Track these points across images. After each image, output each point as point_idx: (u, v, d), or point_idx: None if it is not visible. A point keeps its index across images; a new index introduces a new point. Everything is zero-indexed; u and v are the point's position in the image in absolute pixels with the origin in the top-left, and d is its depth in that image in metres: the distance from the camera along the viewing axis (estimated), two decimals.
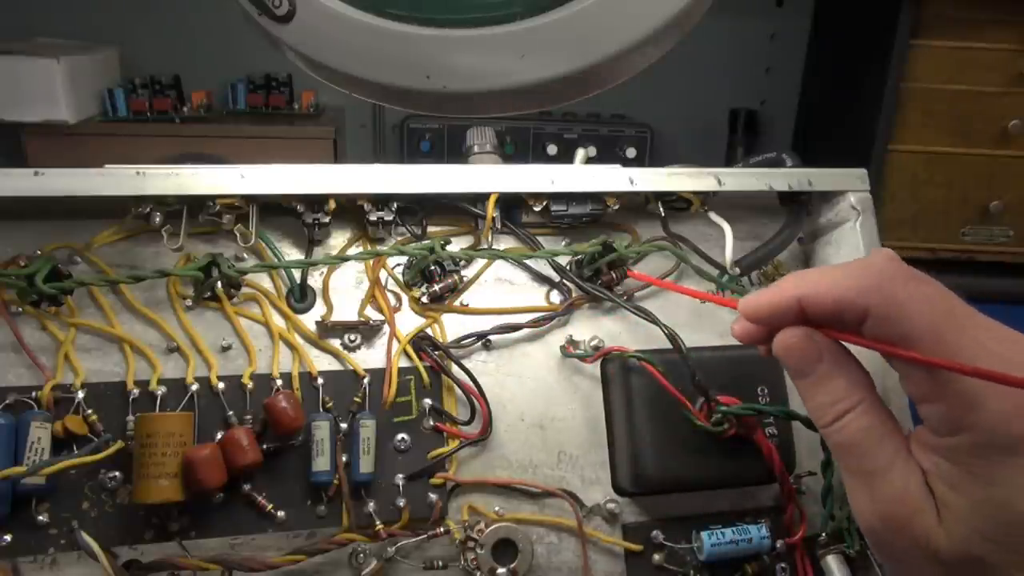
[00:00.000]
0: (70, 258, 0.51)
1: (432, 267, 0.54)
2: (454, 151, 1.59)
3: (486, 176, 0.54)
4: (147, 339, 0.50)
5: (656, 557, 0.53)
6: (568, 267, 0.57)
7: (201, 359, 0.51)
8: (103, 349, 0.50)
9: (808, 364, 0.33)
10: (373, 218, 0.53)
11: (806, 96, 1.75)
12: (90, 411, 0.48)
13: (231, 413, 0.50)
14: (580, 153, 0.71)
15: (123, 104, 1.46)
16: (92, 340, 0.50)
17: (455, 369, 0.53)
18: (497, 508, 0.52)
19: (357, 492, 0.50)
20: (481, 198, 0.55)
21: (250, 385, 0.50)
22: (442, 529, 0.51)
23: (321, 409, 0.51)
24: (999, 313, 0.31)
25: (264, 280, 0.53)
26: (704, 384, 0.51)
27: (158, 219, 0.50)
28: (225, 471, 0.46)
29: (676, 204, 0.58)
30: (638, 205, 0.59)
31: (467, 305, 0.55)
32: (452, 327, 0.54)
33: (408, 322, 0.54)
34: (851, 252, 0.58)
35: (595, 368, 0.55)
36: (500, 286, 0.56)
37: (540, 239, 0.57)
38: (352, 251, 0.54)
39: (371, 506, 0.50)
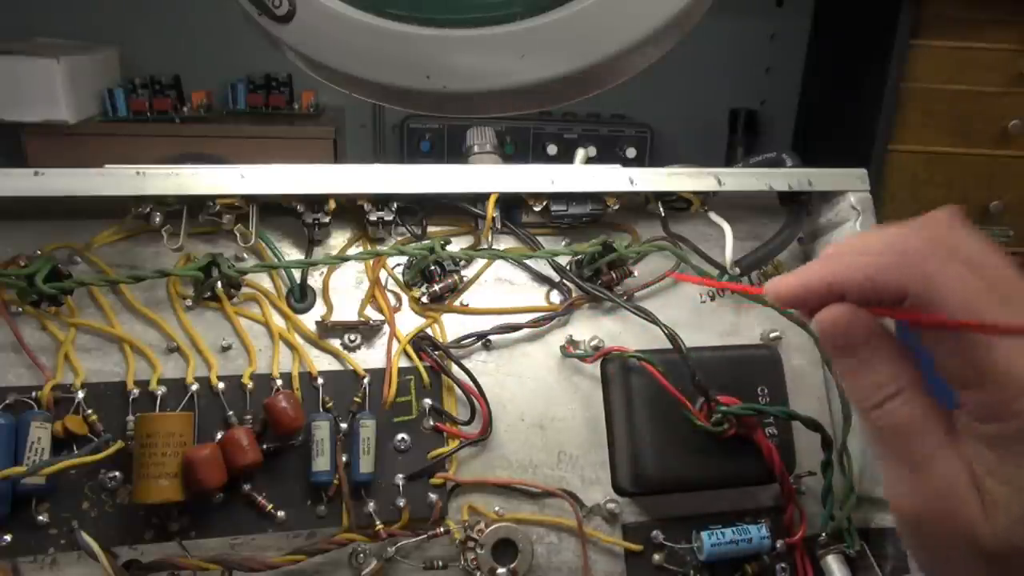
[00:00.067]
0: (70, 258, 0.51)
1: (432, 267, 0.54)
2: (454, 151, 1.59)
3: (486, 176, 0.54)
4: (147, 339, 0.50)
5: (656, 557, 0.53)
6: (568, 267, 0.57)
7: (201, 359, 0.51)
8: (103, 349, 0.50)
9: (853, 344, 0.30)
10: (373, 218, 0.53)
11: (806, 96, 1.76)
12: (90, 411, 0.48)
13: (231, 413, 0.50)
14: (580, 153, 0.71)
15: (123, 104, 1.46)
16: (92, 340, 0.50)
17: (455, 369, 0.53)
18: (497, 508, 0.52)
19: (357, 492, 0.50)
20: (481, 198, 0.55)
21: (250, 385, 0.50)
22: (442, 529, 0.51)
23: (321, 409, 0.51)
24: None
25: (264, 280, 0.53)
26: (704, 384, 0.51)
27: (158, 219, 0.50)
28: (225, 471, 0.46)
29: (676, 204, 0.58)
30: (638, 205, 0.59)
31: (467, 305, 0.55)
32: (452, 327, 0.54)
33: (408, 322, 0.54)
34: None
35: (595, 368, 0.55)
36: (500, 286, 0.56)
37: (540, 239, 0.57)
38: (352, 251, 0.54)
39: (371, 506, 0.50)
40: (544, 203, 0.56)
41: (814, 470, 0.54)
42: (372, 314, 0.54)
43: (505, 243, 0.57)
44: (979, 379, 0.28)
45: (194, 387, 0.49)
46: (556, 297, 0.57)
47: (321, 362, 0.52)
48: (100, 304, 0.50)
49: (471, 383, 0.52)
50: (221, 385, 0.50)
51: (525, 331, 0.55)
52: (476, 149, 0.72)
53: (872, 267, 0.29)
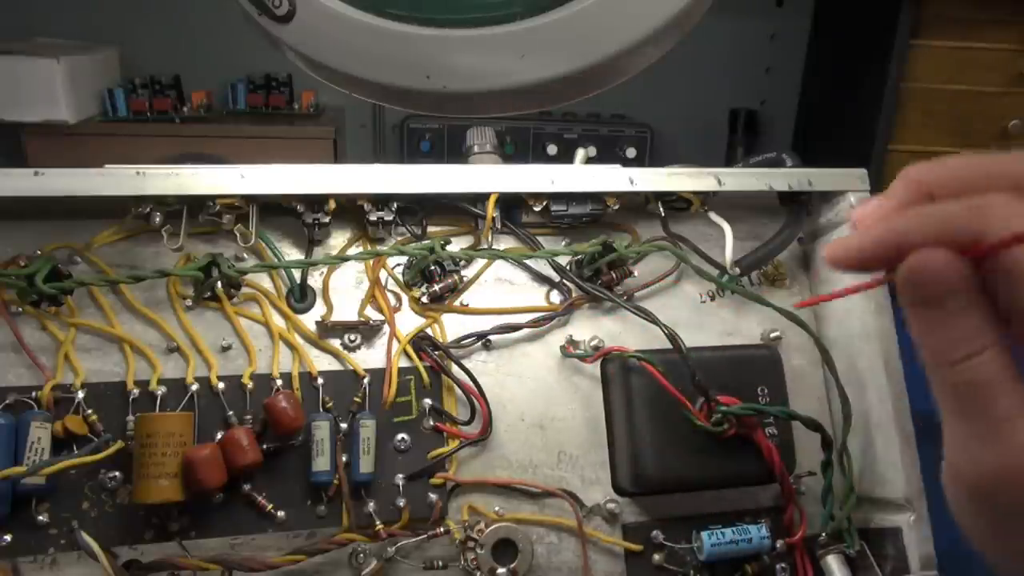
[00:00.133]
0: (70, 258, 0.51)
1: (432, 267, 0.54)
2: (454, 151, 1.59)
3: (486, 176, 0.54)
4: (147, 339, 0.50)
5: (656, 557, 0.53)
6: (568, 267, 0.57)
7: (201, 359, 0.51)
8: (103, 349, 0.50)
9: (942, 294, 0.28)
10: (373, 218, 0.53)
11: (806, 96, 1.76)
12: (90, 411, 0.48)
13: (231, 413, 0.50)
14: (580, 153, 0.71)
15: (123, 104, 1.46)
16: (92, 340, 0.50)
17: (455, 369, 0.53)
18: (497, 508, 0.52)
19: (357, 492, 0.50)
20: (481, 198, 0.55)
21: (250, 385, 0.50)
22: (442, 529, 0.51)
23: (321, 409, 0.51)
24: None
25: (264, 280, 0.53)
26: (704, 384, 0.51)
27: (158, 219, 0.50)
28: (225, 471, 0.46)
29: (676, 204, 0.58)
30: (638, 205, 0.59)
31: (467, 305, 0.55)
32: (452, 327, 0.54)
33: (408, 322, 0.54)
34: None
35: (595, 368, 0.55)
36: (500, 286, 0.56)
37: (540, 239, 0.57)
38: (352, 251, 0.54)
39: (371, 506, 0.50)
40: (544, 203, 0.56)
41: (814, 470, 0.55)
42: (372, 314, 0.54)
43: (505, 243, 0.57)
44: None
45: (194, 387, 0.49)
46: (556, 297, 0.57)
47: (321, 362, 0.52)
48: (100, 304, 0.50)
49: (471, 383, 0.52)
50: (221, 385, 0.50)
51: (525, 331, 0.55)
52: (476, 149, 0.72)
53: (946, 216, 0.27)
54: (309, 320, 0.53)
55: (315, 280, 0.54)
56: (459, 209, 0.55)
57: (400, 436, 0.52)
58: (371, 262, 0.54)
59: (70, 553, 0.47)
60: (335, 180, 0.52)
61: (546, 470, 0.54)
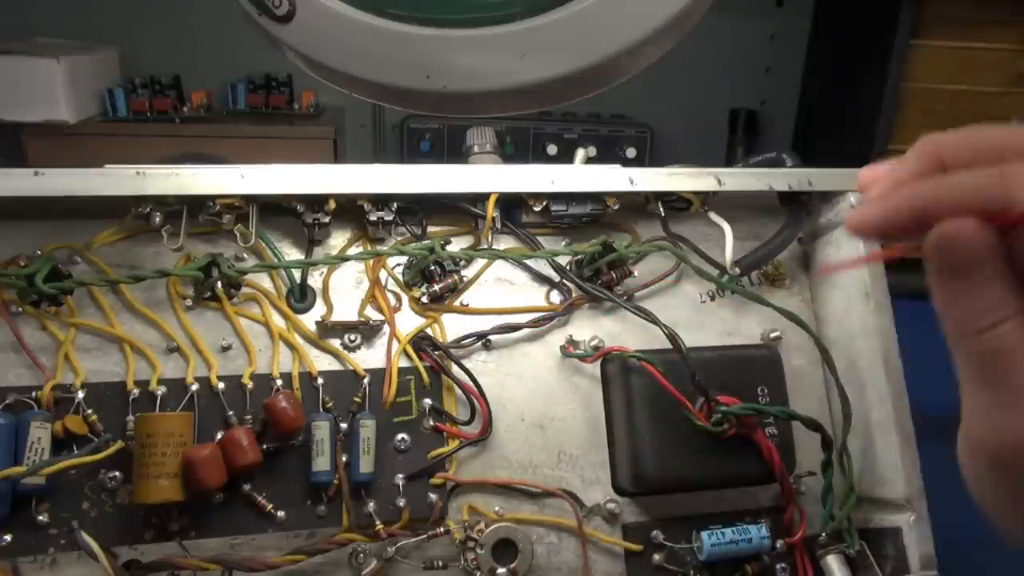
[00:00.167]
0: (70, 258, 0.51)
1: (432, 267, 0.54)
2: (454, 151, 1.59)
3: (486, 176, 0.54)
4: (147, 339, 0.50)
5: (656, 557, 0.53)
6: (568, 267, 0.57)
7: (201, 359, 0.51)
8: (103, 349, 0.50)
9: (970, 263, 0.28)
10: (373, 218, 0.53)
11: (806, 96, 1.75)
12: (90, 411, 0.48)
13: (231, 413, 0.50)
14: (580, 153, 0.71)
15: (123, 104, 1.46)
16: (92, 340, 0.50)
17: (455, 369, 0.53)
18: (497, 508, 0.52)
19: (357, 492, 0.50)
20: (481, 198, 0.55)
21: (250, 385, 0.50)
22: (442, 529, 0.51)
23: (321, 409, 0.51)
24: None
25: (264, 280, 0.53)
26: (704, 384, 0.51)
27: (158, 219, 0.50)
28: (225, 471, 0.46)
29: (676, 204, 0.58)
30: (638, 205, 0.59)
31: (467, 305, 0.55)
32: (452, 327, 0.54)
33: (408, 322, 0.54)
34: (851, 252, 0.58)
35: (595, 368, 0.55)
36: (500, 286, 0.56)
37: (540, 239, 0.57)
38: (352, 251, 0.54)
39: (371, 506, 0.50)
40: (544, 203, 0.56)
41: (814, 470, 0.55)
42: (372, 314, 0.54)
43: (505, 243, 0.57)
44: None
45: (194, 387, 0.49)
46: (556, 297, 0.57)
47: (321, 362, 0.52)
48: (100, 304, 0.50)
49: (471, 383, 0.52)
50: (221, 385, 0.50)
51: (525, 331, 0.55)
52: (476, 149, 0.72)
53: (974, 184, 0.27)
54: (309, 320, 0.53)
55: (315, 280, 0.54)
56: (459, 209, 0.55)
57: (400, 436, 0.52)
58: (371, 262, 0.54)
59: (70, 553, 0.47)
60: (335, 180, 0.52)
61: (546, 470, 0.54)
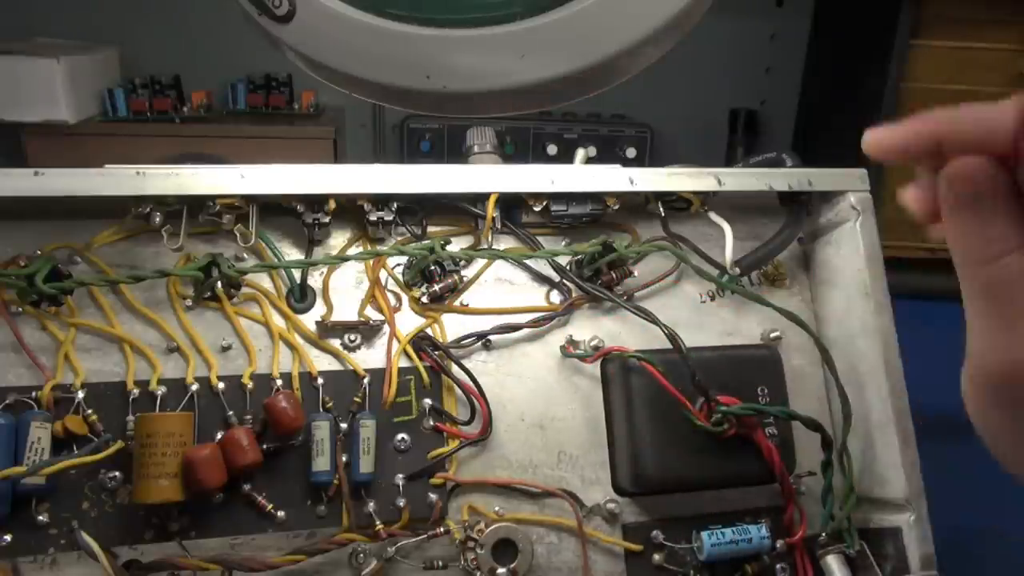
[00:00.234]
0: (70, 258, 0.51)
1: (432, 267, 0.54)
2: (454, 151, 1.59)
3: (486, 176, 0.54)
4: (147, 339, 0.50)
5: (656, 557, 0.53)
6: (568, 267, 0.57)
7: (201, 359, 0.51)
8: (103, 349, 0.50)
9: (980, 196, 0.30)
10: (373, 218, 0.53)
11: (806, 96, 1.75)
12: (90, 411, 0.48)
13: (231, 413, 0.50)
14: (580, 153, 0.71)
15: (123, 104, 1.46)
16: (92, 340, 0.50)
17: (455, 369, 0.53)
18: (497, 508, 0.52)
19: (357, 492, 0.50)
20: (481, 198, 0.55)
21: (250, 385, 0.50)
22: (442, 529, 0.51)
23: (321, 409, 0.51)
24: None
25: (264, 280, 0.53)
26: (704, 384, 0.51)
27: (158, 219, 0.50)
28: (225, 471, 0.46)
29: (676, 204, 0.58)
30: (638, 205, 0.59)
31: (467, 305, 0.55)
32: (452, 327, 0.54)
33: (408, 322, 0.54)
34: (851, 252, 0.58)
35: (595, 368, 0.55)
36: (500, 286, 0.56)
37: (540, 239, 0.57)
38: (352, 251, 0.54)
39: (371, 506, 0.50)
40: (544, 203, 0.56)
41: (814, 470, 0.55)
42: (372, 314, 0.54)
43: (505, 243, 0.57)
44: None
45: (194, 387, 0.49)
46: (556, 297, 0.57)
47: (321, 362, 0.52)
48: (100, 304, 0.50)
49: (471, 383, 0.52)
50: (221, 385, 0.50)
51: (525, 331, 0.55)
52: (476, 149, 0.72)
53: (983, 118, 0.30)
54: (309, 320, 0.53)
55: (315, 280, 0.54)
56: (459, 209, 0.55)
57: (400, 436, 0.52)
58: (371, 262, 0.54)
59: (70, 553, 0.47)
60: (335, 180, 0.52)
61: (546, 470, 0.54)
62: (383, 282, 0.54)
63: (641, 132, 1.66)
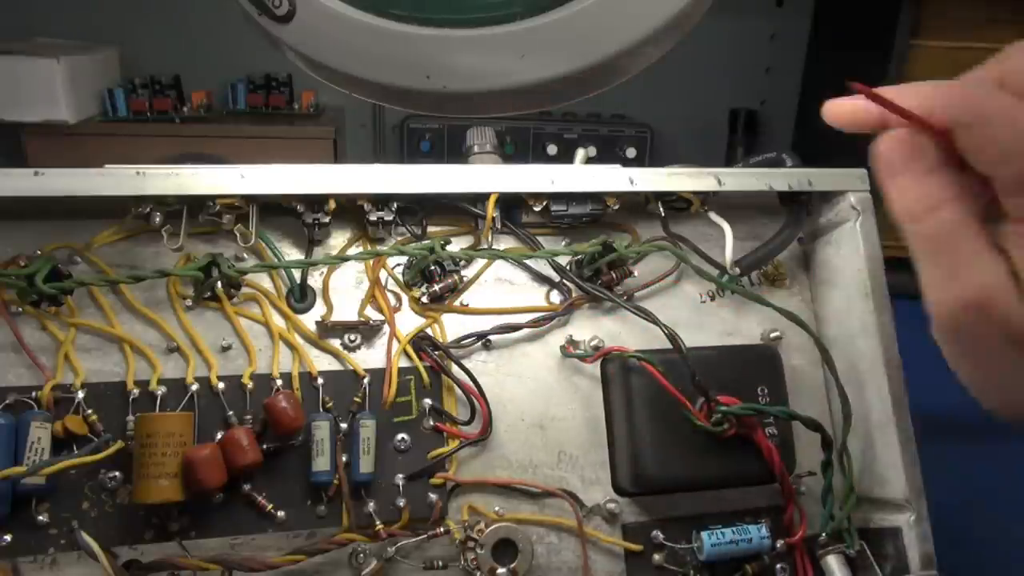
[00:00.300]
0: (70, 258, 0.51)
1: (432, 267, 0.54)
2: (454, 151, 1.59)
3: (486, 176, 0.54)
4: (147, 339, 0.50)
5: (656, 557, 0.54)
6: (568, 267, 0.57)
7: (201, 359, 0.51)
8: (103, 349, 0.50)
9: (906, 161, 0.33)
10: (373, 218, 0.53)
11: (806, 96, 1.75)
12: (90, 411, 0.48)
13: (231, 413, 0.50)
14: (580, 153, 0.71)
15: (123, 104, 1.46)
16: (92, 340, 0.50)
17: (455, 369, 0.53)
18: (497, 508, 0.52)
19: (357, 492, 0.50)
20: (481, 198, 0.55)
21: (250, 385, 0.50)
22: (442, 529, 0.51)
23: (321, 409, 0.51)
24: None
25: (264, 280, 0.53)
26: (704, 384, 0.51)
27: (158, 219, 0.50)
28: (225, 471, 0.46)
29: (676, 204, 0.58)
30: (638, 205, 0.59)
31: (467, 305, 0.55)
32: (452, 327, 0.54)
33: (408, 322, 0.54)
34: (851, 252, 0.58)
35: (595, 368, 0.55)
36: (500, 286, 0.56)
37: (540, 239, 0.57)
38: (352, 251, 0.54)
39: (371, 506, 0.50)
40: (544, 203, 0.56)
41: (814, 470, 0.55)
42: (372, 314, 0.54)
43: (505, 243, 0.57)
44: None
45: (194, 387, 0.49)
46: (556, 297, 0.57)
47: (321, 362, 0.52)
48: (100, 304, 0.50)
49: (471, 383, 0.52)
50: (221, 385, 0.50)
51: (525, 331, 0.55)
52: (476, 149, 0.72)
53: (920, 100, 0.33)
54: (309, 320, 0.53)
55: (315, 280, 0.54)
56: (459, 209, 0.55)
57: (400, 436, 0.52)
58: (371, 262, 0.54)
59: (70, 553, 0.47)
60: (335, 180, 0.52)
61: (546, 470, 0.54)
62: (383, 282, 0.54)
63: (641, 132, 1.65)
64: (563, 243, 0.57)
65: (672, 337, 0.52)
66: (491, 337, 0.54)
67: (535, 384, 0.55)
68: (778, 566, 0.55)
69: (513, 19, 0.44)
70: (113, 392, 0.49)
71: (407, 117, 1.61)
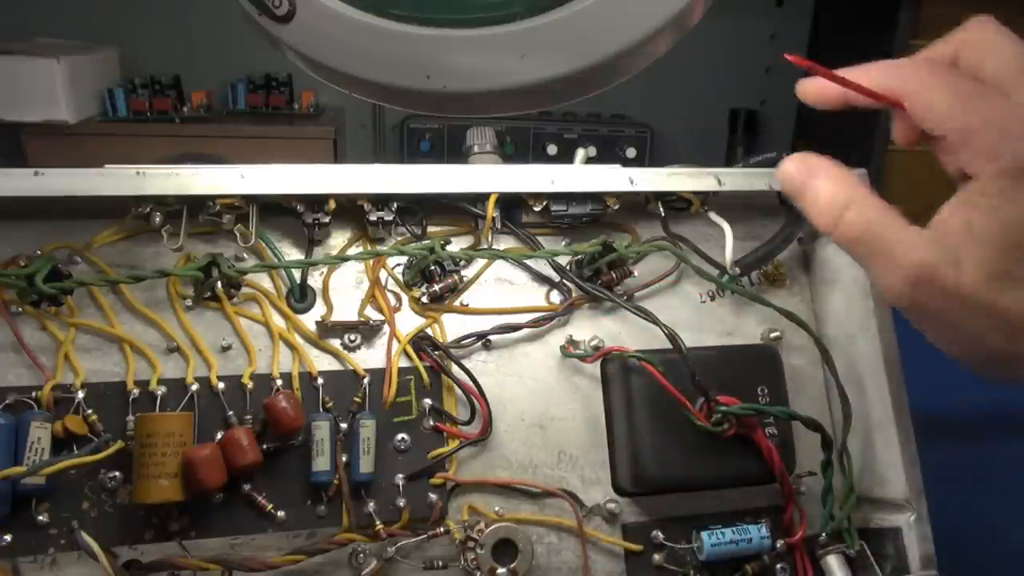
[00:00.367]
0: (70, 258, 0.51)
1: (432, 267, 0.54)
2: (454, 151, 1.59)
3: (486, 176, 0.54)
4: (147, 339, 0.50)
5: (656, 557, 0.54)
6: (568, 267, 0.57)
7: (201, 359, 0.51)
8: (103, 349, 0.50)
9: (803, 183, 0.38)
10: (373, 218, 0.53)
11: None
12: (90, 411, 0.48)
13: (231, 413, 0.50)
14: (580, 153, 0.71)
15: (123, 104, 1.46)
16: (92, 340, 0.50)
17: (455, 369, 0.53)
18: (497, 508, 0.52)
19: (357, 492, 0.50)
20: (481, 198, 0.55)
21: (250, 385, 0.50)
22: (442, 529, 0.51)
23: (321, 409, 0.51)
24: None
25: (264, 280, 0.53)
26: (704, 384, 0.51)
27: (158, 219, 0.50)
28: (225, 471, 0.46)
29: (676, 204, 0.58)
30: (638, 205, 0.59)
31: (467, 305, 0.55)
32: (452, 327, 0.54)
33: (408, 322, 0.54)
34: None
35: (595, 368, 0.55)
36: (500, 286, 0.56)
37: (540, 239, 0.57)
38: (352, 251, 0.54)
39: (371, 506, 0.50)
40: (544, 203, 0.56)
41: (814, 470, 0.55)
42: (372, 314, 0.54)
43: (505, 243, 0.57)
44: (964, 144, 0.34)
45: (194, 387, 0.49)
46: (556, 297, 0.57)
47: (321, 362, 0.52)
48: (100, 304, 0.50)
49: (471, 383, 0.52)
50: (221, 385, 0.50)
51: (525, 331, 0.55)
52: (476, 149, 0.72)
53: (874, 75, 0.37)
54: (309, 320, 0.53)
55: (315, 280, 0.54)
56: (459, 209, 0.55)
57: (400, 436, 0.52)
58: (371, 262, 0.54)
59: (70, 553, 0.47)
60: (335, 180, 0.52)
61: (546, 470, 0.54)
62: (383, 282, 0.54)
63: (641, 132, 1.66)
64: (563, 243, 0.57)
65: (672, 337, 0.52)
66: (491, 337, 0.54)
67: (535, 384, 0.55)
68: (778, 566, 0.55)
69: (513, 19, 0.44)
70: (113, 392, 0.49)
71: (407, 117, 1.62)
